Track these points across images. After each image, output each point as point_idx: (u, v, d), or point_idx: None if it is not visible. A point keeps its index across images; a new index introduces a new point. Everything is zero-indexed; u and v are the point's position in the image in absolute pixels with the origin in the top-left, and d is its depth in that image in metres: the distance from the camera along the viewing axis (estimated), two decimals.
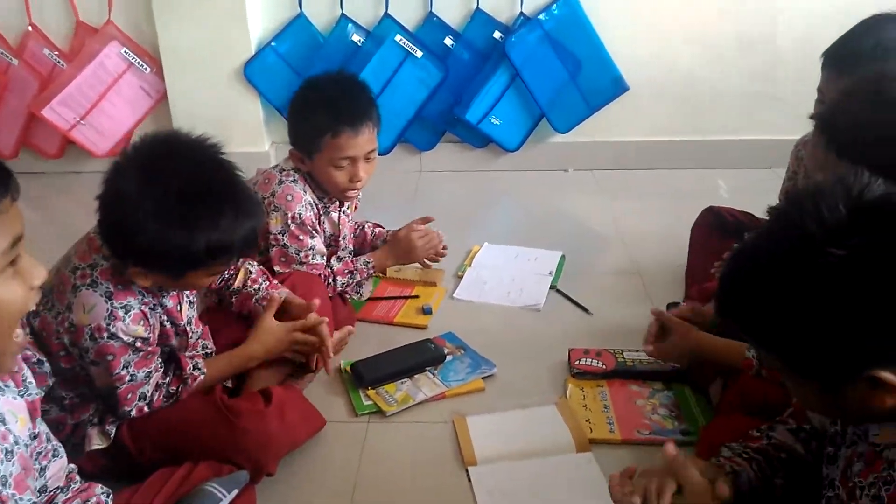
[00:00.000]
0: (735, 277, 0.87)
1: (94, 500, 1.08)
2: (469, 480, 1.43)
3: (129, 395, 1.32)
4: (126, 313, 1.26)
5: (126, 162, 1.21)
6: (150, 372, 1.33)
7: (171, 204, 1.16)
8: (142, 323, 1.28)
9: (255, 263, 1.67)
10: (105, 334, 1.25)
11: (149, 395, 1.33)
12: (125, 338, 1.26)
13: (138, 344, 1.29)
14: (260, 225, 1.28)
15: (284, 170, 1.79)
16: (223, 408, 1.35)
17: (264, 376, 1.56)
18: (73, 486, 1.08)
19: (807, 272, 0.77)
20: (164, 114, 2.90)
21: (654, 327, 1.59)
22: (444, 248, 2.04)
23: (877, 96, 1.27)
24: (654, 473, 1.06)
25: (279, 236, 1.75)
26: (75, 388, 1.33)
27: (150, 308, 1.31)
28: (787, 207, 0.83)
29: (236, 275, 1.61)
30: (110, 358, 1.27)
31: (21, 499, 0.89)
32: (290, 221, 1.74)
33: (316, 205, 1.81)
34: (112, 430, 1.35)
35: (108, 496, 1.10)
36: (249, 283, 1.61)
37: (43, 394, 1.00)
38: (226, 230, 1.20)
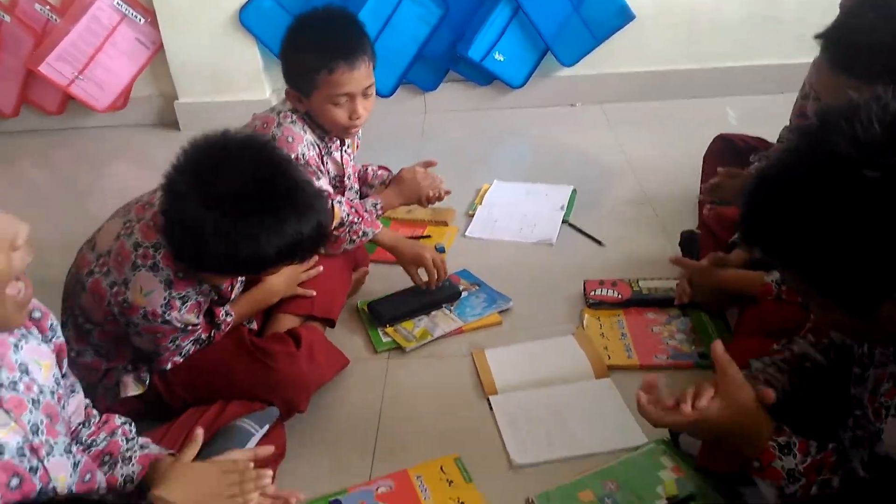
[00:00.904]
0: (762, 199, 0.85)
1: (119, 431, 1.11)
2: (490, 409, 1.46)
3: (170, 357, 1.35)
4: (183, 304, 1.27)
5: (180, 178, 1.15)
6: (194, 340, 1.36)
7: (233, 223, 1.13)
8: (196, 311, 1.30)
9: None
10: (159, 319, 1.26)
11: (184, 351, 1.37)
12: (177, 324, 1.28)
13: (189, 328, 1.31)
14: (325, 217, 1.25)
15: (282, 112, 1.77)
16: (256, 350, 1.38)
17: (286, 320, 1.58)
18: (92, 420, 1.11)
19: (840, 193, 0.75)
20: (162, 64, 2.87)
21: (684, 283, 1.60)
22: (447, 191, 2.01)
23: (886, 10, 1.23)
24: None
25: None
26: (115, 342, 1.35)
27: (205, 296, 1.32)
28: (816, 126, 0.80)
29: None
30: (159, 336, 1.30)
31: (56, 443, 0.91)
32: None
33: (318, 145, 1.80)
34: (146, 377, 1.38)
35: (130, 424, 1.14)
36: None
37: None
38: (292, 233, 1.16)
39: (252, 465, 1.10)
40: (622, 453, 1.33)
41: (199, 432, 1.14)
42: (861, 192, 0.74)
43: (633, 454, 1.32)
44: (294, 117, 1.75)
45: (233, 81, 2.87)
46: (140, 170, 2.83)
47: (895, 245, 0.75)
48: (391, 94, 2.88)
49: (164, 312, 1.25)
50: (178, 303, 1.26)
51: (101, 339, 1.34)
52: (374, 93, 1.78)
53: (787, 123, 1.88)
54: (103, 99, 2.89)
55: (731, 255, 1.55)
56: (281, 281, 1.53)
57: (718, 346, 1.02)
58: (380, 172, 2.07)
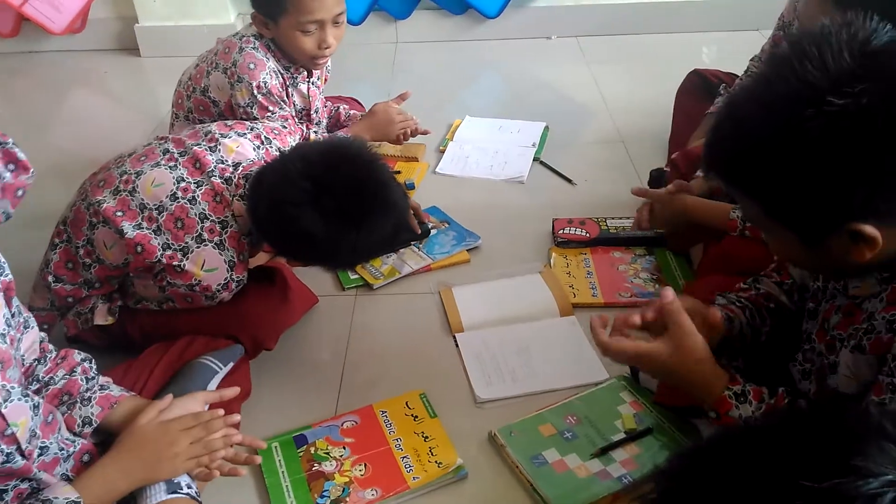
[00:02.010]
0: (727, 124, 0.85)
1: (78, 369, 1.09)
2: (456, 346, 1.48)
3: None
4: (237, 286, 1.30)
5: (297, 180, 1.17)
6: None
7: (341, 232, 1.19)
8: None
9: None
10: (209, 293, 1.27)
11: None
12: (217, 300, 1.29)
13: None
14: (405, 216, 1.31)
15: (245, 36, 1.70)
16: None
17: (259, 258, 1.56)
18: (48, 356, 1.09)
19: (803, 119, 0.75)
20: None
21: (644, 210, 1.59)
22: (423, 131, 1.96)
23: None
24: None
25: (248, 109, 1.69)
26: (107, 278, 1.34)
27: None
28: (787, 52, 0.79)
29: None
30: (185, 298, 1.30)
31: (13, 388, 0.89)
32: (255, 91, 1.67)
33: (282, 74, 1.74)
34: (117, 309, 1.37)
35: (90, 362, 1.12)
36: None
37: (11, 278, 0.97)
38: (381, 240, 1.25)
39: (221, 412, 1.08)
40: (584, 389, 1.36)
41: (169, 396, 1.09)
42: (823, 118, 0.74)
43: (594, 390, 1.35)
44: (257, 43, 1.69)
45: (196, 4, 2.75)
46: (100, 97, 2.74)
47: (853, 172, 0.76)
48: (361, 22, 2.79)
49: (218, 291, 1.27)
50: (234, 285, 1.29)
51: (96, 274, 1.32)
52: (345, 21, 1.72)
53: (758, 54, 1.86)
54: (59, 20, 2.75)
55: (693, 182, 1.55)
56: None
57: (668, 293, 1.02)
58: (352, 113, 2.02)
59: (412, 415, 1.32)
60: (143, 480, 1.00)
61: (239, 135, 1.36)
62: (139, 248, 1.25)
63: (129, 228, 1.25)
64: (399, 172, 2.02)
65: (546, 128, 2.22)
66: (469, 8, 2.80)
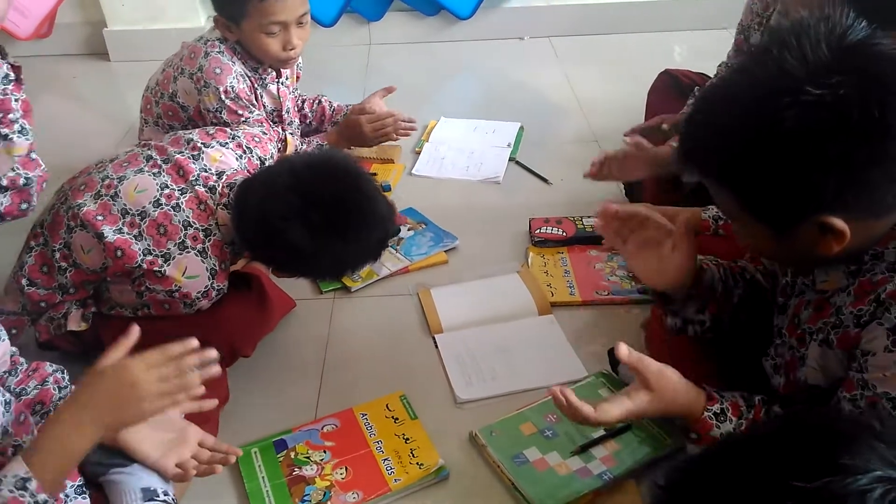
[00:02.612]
0: (704, 111, 0.86)
1: (50, 379, 1.07)
2: (436, 347, 1.47)
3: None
4: (217, 295, 1.29)
5: (283, 199, 1.17)
6: None
7: (327, 245, 1.20)
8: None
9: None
10: (188, 300, 1.26)
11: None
12: (196, 308, 1.28)
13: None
14: (391, 230, 1.32)
15: (209, 41, 1.69)
16: None
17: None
18: (19, 368, 1.06)
19: (780, 108, 0.76)
20: None
21: (601, 156, 1.61)
22: (410, 123, 1.94)
23: None
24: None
25: (217, 114, 1.67)
26: (82, 283, 1.31)
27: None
28: (766, 43, 0.80)
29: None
30: (163, 304, 1.28)
31: None
32: (223, 96, 1.66)
33: (249, 77, 1.72)
34: (91, 315, 1.34)
35: (62, 372, 1.10)
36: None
37: None
38: (366, 252, 1.28)
39: (195, 341, 0.95)
40: (563, 387, 1.36)
41: (131, 335, 0.95)
42: (800, 108, 0.75)
43: (573, 388, 1.35)
44: (223, 47, 1.67)
45: (165, 8, 2.71)
46: (69, 102, 2.70)
47: (825, 164, 0.77)
48: (333, 24, 2.78)
49: (197, 298, 1.26)
50: (214, 293, 1.27)
51: (72, 279, 1.30)
52: (310, 21, 1.71)
53: (725, 59, 1.89)
54: (25, 26, 2.70)
55: (661, 148, 1.57)
56: None
57: (622, 351, 1.01)
58: (337, 106, 2.01)
59: (393, 417, 1.31)
60: (106, 429, 0.87)
61: (221, 144, 1.36)
62: (119, 253, 1.23)
63: (109, 232, 1.23)
64: (375, 174, 2.02)
65: (521, 128, 2.23)
66: (442, 9, 2.80)
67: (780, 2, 1.27)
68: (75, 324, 1.33)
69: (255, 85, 1.75)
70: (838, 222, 0.81)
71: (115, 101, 2.60)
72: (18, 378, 1.05)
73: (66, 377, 1.10)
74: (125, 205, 1.25)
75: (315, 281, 1.63)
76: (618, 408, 1.01)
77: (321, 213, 1.17)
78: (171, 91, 1.71)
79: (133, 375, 0.88)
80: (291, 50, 1.67)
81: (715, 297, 1.13)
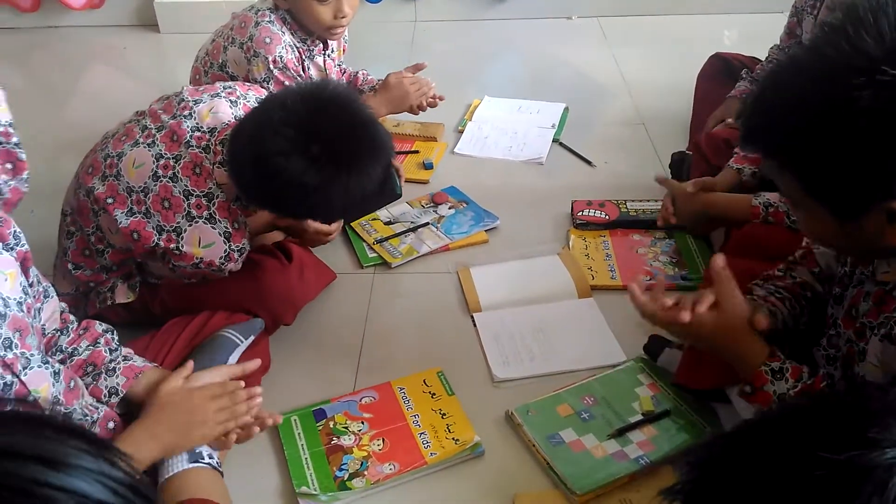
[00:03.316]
0: (772, 90, 0.84)
1: (101, 340, 1.10)
2: (474, 325, 1.48)
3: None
4: (240, 256, 1.28)
5: (278, 135, 1.12)
6: None
7: (331, 177, 1.14)
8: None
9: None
10: (214, 267, 1.27)
11: None
12: (227, 272, 1.29)
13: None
14: (392, 158, 1.26)
15: (260, 10, 1.70)
16: (246, 261, 1.35)
17: (275, 235, 1.56)
18: (70, 326, 1.10)
19: (853, 87, 0.73)
20: None
21: (668, 201, 1.57)
22: (439, 97, 1.93)
23: None
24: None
25: (265, 84, 1.68)
26: (124, 260, 1.34)
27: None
28: (841, 20, 0.77)
29: None
30: (196, 275, 1.30)
31: (32, 355, 0.89)
32: (272, 66, 1.67)
33: (298, 48, 1.73)
34: (137, 285, 1.38)
35: (112, 333, 1.13)
36: None
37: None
38: (370, 186, 1.19)
39: (242, 384, 1.09)
40: (602, 370, 1.36)
41: (190, 363, 1.13)
42: (876, 89, 0.73)
43: (611, 371, 1.36)
44: (273, 17, 1.68)
45: None
46: (119, 73, 2.74)
47: (893, 149, 0.74)
48: (379, 1, 2.76)
49: (222, 264, 1.26)
50: (236, 255, 1.27)
51: (111, 259, 1.32)
52: None
53: (778, 42, 1.84)
54: None
55: (718, 177, 1.54)
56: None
57: (719, 260, 1.01)
58: (370, 77, 2.00)
59: (430, 392, 1.32)
60: (174, 445, 1.01)
61: (212, 96, 1.31)
62: (136, 236, 1.23)
63: (122, 217, 1.23)
64: (417, 152, 2.02)
65: (566, 109, 2.20)
66: None
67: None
68: (123, 296, 1.36)
69: (303, 56, 1.76)
70: None
71: (165, 73, 2.64)
72: (70, 337, 1.09)
73: (116, 338, 1.13)
74: (128, 182, 1.24)
75: (327, 221, 1.47)
76: (686, 314, 0.99)
77: (321, 144, 1.12)
78: (220, 61, 1.73)
79: (199, 403, 1.04)
80: (342, 18, 1.67)
81: (788, 335, 1.10)
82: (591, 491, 1.13)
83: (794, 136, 0.81)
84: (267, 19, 1.68)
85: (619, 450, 1.20)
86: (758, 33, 2.32)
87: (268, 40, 1.66)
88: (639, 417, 1.25)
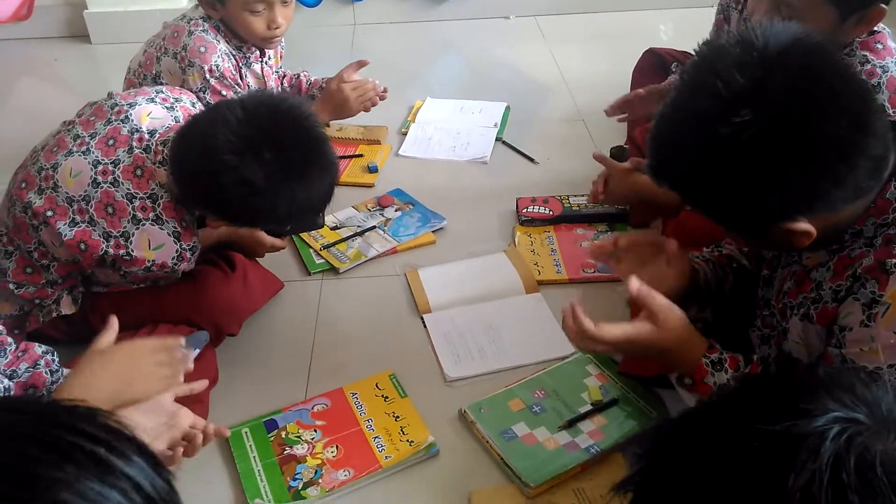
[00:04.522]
0: (658, 141, 0.89)
1: (42, 361, 1.07)
2: (424, 326, 1.49)
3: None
4: (192, 254, 1.27)
5: (228, 141, 1.11)
6: None
7: (280, 183, 1.14)
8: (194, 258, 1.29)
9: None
10: (166, 269, 1.24)
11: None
12: (180, 272, 1.27)
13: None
14: (337, 178, 1.27)
15: (192, 19, 1.67)
16: (188, 272, 1.33)
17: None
18: (8, 349, 1.06)
19: (703, 147, 0.80)
20: None
21: (600, 182, 1.61)
22: (384, 91, 1.91)
23: None
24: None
25: (201, 94, 1.66)
26: (70, 273, 1.30)
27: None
28: (690, 73, 0.84)
29: None
30: (149, 279, 1.27)
31: None
32: (208, 75, 1.64)
33: (234, 56, 1.71)
34: (79, 295, 1.34)
35: (52, 354, 1.10)
36: None
37: None
38: (315, 199, 1.21)
39: (181, 341, 1.07)
40: (551, 364, 1.38)
41: (114, 319, 1.07)
42: (720, 147, 0.79)
43: (560, 364, 1.38)
44: (206, 25, 1.66)
45: None
46: (50, 86, 2.66)
47: (763, 187, 0.80)
48: (317, 4, 2.75)
49: (175, 265, 1.24)
50: (188, 254, 1.25)
51: (58, 273, 1.28)
52: (294, 1, 1.70)
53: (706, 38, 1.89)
54: (4, 8, 2.64)
55: None
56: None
57: (633, 283, 1.02)
58: (314, 80, 1.99)
59: (382, 395, 1.33)
60: (114, 400, 0.96)
61: (148, 100, 1.30)
62: (83, 246, 1.21)
63: (65, 229, 1.20)
64: (362, 156, 2.02)
65: (507, 108, 2.23)
66: None
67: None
68: (68, 307, 1.33)
69: (240, 64, 1.74)
70: (800, 225, 0.83)
71: (98, 84, 2.56)
72: (8, 360, 1.05)
73: (56, 359, 1.10)
74: (67, 193, 1.21)
75: (268, 228, 1.48)
76: (618, 329, 1.01)
77: (275, 151, 1.12)
78: (154, 72, 1.69)
79: (137, 356, 0.99)
80: (276, 29, 1.66)
81: (710, 295, 1.15)
82: (545, 482, 1.15)
83: (681, 180, 0.88)
84: (200, 28, 1.65)
85: (571, 440, 1.22)
86: (692, 28, 2.38)
87: (203, 49, 1.64)
88: (588, 408, 1.28)
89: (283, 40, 1.82)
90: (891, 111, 1.23)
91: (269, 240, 1.51)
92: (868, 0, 1.18)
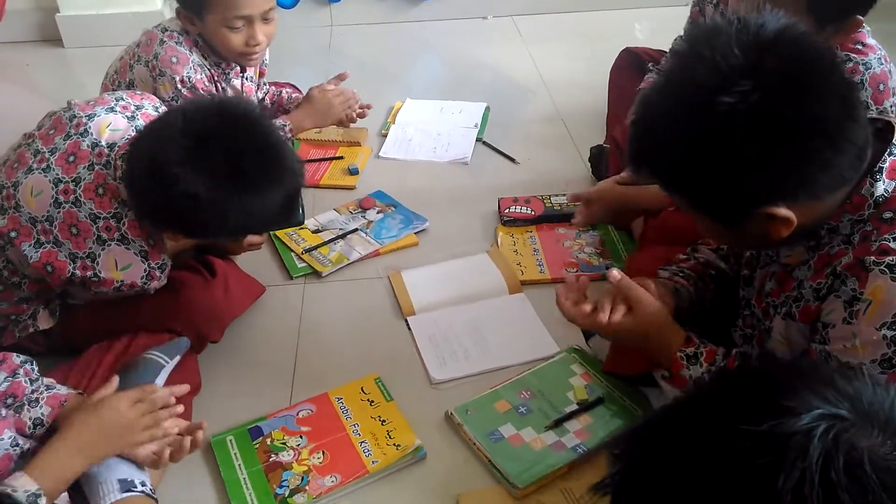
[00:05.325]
0: (641, 125, 0.90)
1: (21, 371, 1.06)
2: (409, 329, 1.48)
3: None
4: (162, 272, 1.24)
5: (175, 145, 1.07)
6: None
7: (226, 192, 1.08)
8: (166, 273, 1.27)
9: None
10: (137, 288, 1.22)
11: None
12: (153, 290, 1.24)
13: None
14: (299, 192, 1.21)
15: (168, 30, 1.64)
16: (168, 280, 1.31)
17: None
18: None
19: (699, 120, 0.80)
20: None
21: (581, 209, 1.58)
22: (367, 106, 1.95)
23: None
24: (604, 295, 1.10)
25: (173, 104, 1.63)
26: (44, 289, 1.27)
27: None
28: (685, 53, 0.84)
29: None
30: (119, 297, 1.24)
31: None
32: (179, 86, 1.61)
33: (209, 68, 1.68)
34: (57, 308, 1.31)
35: (31, 363, 1.09)
36: None
37: None
38: (273, 207, 1.14)
39: (162, 390, 1.09)
40: (536, 364, 1.38)
41: (115, 379, 1.11)
42: (718, 118, 0.79)
43: (545, 364, 1.38)
44: (181, 38, 1.63)
45: None
46: (22, 91, 2.61)
47: (753, 164, 0.80)
48: (294, 6, 2.73)
49: (145, 284, 1.22)
50: (158, 272, 1.23)
51: (30, 290, 1.26)
52: (276, 17, 1.66)
53: (682, 34, 1.91)
54: None
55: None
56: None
57: (614, 274, 1.07)
58: (295, 96, 1.97)
59: (368, 399, 1.32)
60: (102, 455, 1.00)
61: (107, 110, 1.24)
62: (49, 269, 1.18)
63: (30, 251, 1.17)
64: (342, 158, 2.01)
65: (487, 108, 2.23)
66: None
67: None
68: (45, 322, 1.30)
69: (218, 79, 1.71)
70: (782, 211, 0.84)
71: (72, 88, 2.52)
72: None
73: (35, 368, 1.09)
74: (30, 213, 1.17)
75: (222, 238, 1.43)
76: (604, 316, 1.05)
77: (222, 159, 1.07)
78: (128, 80, 1.67)
79: (122, 410, 1.03)
80: (255, 46, 1.62)
81: (693, 312, 1.16)
82: (533, 483, 1.15)
83: (666, 162, 0.88)
84: (174, 40, 1.61)
85: (557, 440, 1.23)
86: (666, 25, 2.40)
87: (174, 60, 1.61)
88: (574, 407, 1.28)
89: (266, 56, 1.79)
90: (873, 108, 1.25)
91: (248, 238, 1.49)
92: (844, 12, 1.19)
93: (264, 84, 1.91)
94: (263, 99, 1.93)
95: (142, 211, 1.17)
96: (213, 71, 1.69)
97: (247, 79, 1.79)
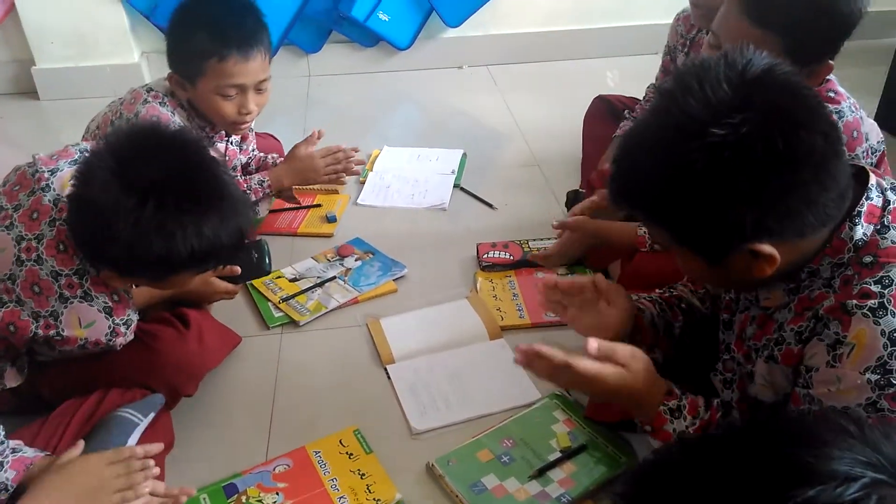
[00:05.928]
0: (625, 160, 0.90)
1: None
2: (388, 378, 1.46)
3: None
4: (127, 328, 1.21)
5: (99, 162, 1.03)
6: None
7: (151, 214, 1.01)
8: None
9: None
10: (101, 346, 1.19)
11: None
12: (119, 346, 1.21)
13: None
14: (247, 224, 1.14)
15: (153, 90, 1.64)
16: (139, 332, 1.28)
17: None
18: None
19: (689, 152, 0.80)
20: (15, 26, 2.60)
21: (555, 248, 1.62)
22: (360, 162, 1.90)
23: None
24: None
25: None
26: (9, 346, 1.22)
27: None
28: (673, 86, 0.84)
29: None
30: (85, 353, 1.21)
31: None
32: None
33: (192, 130, 1.68)
34: (25, 365, 1.27)
35: None
36: None
37: None
38: (210, 236, 1.06)
39: (136, 451, 1.05)
40: (518, 411, 1.37)
41: (80, 443, 1.08)
42: (706, 150, 0.79)
43: (527, 411, 1.36)
44: (166, 99, 1.62)
45: (96, 44, 2.64)
46: None
47: (741, 198, 0.81)
48: (272, 56, 2.75)
49: (110, 340, 1.18)
50: (122, 329, 1.19)
51: None
52: (269, 88, 1.66)
53: (654, 81, 1.96)
54: None
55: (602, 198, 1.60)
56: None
57: (591, 344, 1.01)
58: (280, 160, 1.96)
59: (347, 452, 1.29)
60: None
61: (70, 163, 1.20)
62: (12, 328, 1.14)
63: None
64: (320, 206, 2.01)
65: (464, 154, 2.25)
66: (380, 40, 2.83)
67: (711, 35, 1.33)
68: (13, 380, 1.25)
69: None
70: (766, 248, 0.84)
71: (48, 141, 2.50)
72: None
73: (2, 431, 1.05)
74: (3, 277, 1.14)
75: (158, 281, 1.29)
76: (591, 364, 1.00)
77: (146, 177, 1.02)
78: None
79: (96, 470, 1.00)
80: (247, 115, 1.62)
81: (655, 335, 1.16)
82: None
83: (650, 198, 0.87)
84: (158, 100, 1.61)
85: (542, 490, 1.20)
86: (636, 73, 2.47)
87: (154, 118, 1.60)
88: (557, 454, 1.26)
89: (249, 126, 1.79)
90: (848, 155, 1.27)
91: (221, 286, 1.46)
92: (820, 55, 1.22)
93: (251, 149, 1.90)
94: (248, 163, 1.92)
95: (93, 255, 1.12)
96: (196, 133, 1.68)
97: (231, 143, 1.79)
